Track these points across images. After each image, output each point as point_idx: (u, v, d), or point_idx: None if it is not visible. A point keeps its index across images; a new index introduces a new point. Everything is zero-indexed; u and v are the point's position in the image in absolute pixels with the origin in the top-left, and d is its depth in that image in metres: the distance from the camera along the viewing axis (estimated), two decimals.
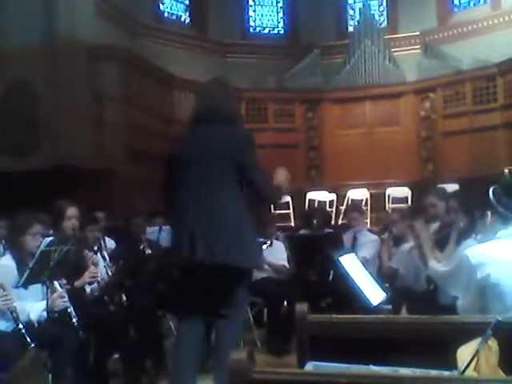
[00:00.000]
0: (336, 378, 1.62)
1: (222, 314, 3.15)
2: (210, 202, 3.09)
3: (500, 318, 1.87)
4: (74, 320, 3.52)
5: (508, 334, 1.90)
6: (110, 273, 4.45)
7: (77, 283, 3.91)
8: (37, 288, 3.54)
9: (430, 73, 11.79)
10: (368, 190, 10.95)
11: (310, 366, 1.89)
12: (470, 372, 1.70)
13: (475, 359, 1.72)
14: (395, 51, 12.50)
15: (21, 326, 3.23)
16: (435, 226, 4.44)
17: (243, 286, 3.22)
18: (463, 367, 1.71)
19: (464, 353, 1.78)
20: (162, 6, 12.44)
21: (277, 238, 5.93)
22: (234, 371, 1.60)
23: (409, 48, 12.61)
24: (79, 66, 8.65)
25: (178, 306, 3.26)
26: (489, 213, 2.56)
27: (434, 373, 1.76)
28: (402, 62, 12.40)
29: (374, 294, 3.80)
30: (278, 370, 1.68)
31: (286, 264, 5.65)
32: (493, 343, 1.81)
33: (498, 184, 2.55)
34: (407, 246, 4.64)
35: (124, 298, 4.40)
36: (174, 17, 12.74)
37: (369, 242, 5.45)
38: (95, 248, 4.44)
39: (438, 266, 3.17)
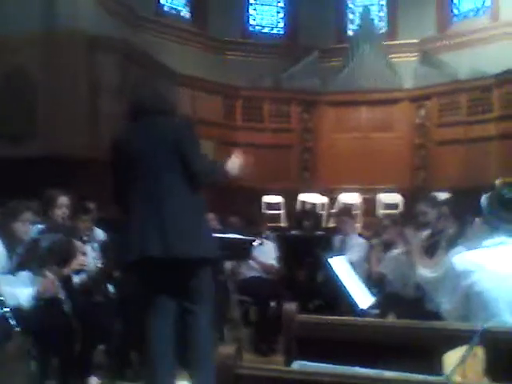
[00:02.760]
0: (320, 377, 1.64)
1: (187, 309, 3.15)
2: (157, 197, 3.09)
3: (486, 326, 1.89)
4: (66, 307, 3.52)
5: (494, 342, 1.91)
6: (98, 263, 4.45)
7: (64, 271, 3.90)
8: (27, 275, 3.53)
9: (426, 81, 11.84)
10: (360, 194, 10.98)
11: (296, 365, 1.90)
12: (455, 378, 1.72)
13: (461, 365, 1.74)
14: (393, 57, 12.55)
15: (7, 309, 3.21)
16: (425, 233, 4.48)
17: (205, 278, 3.20)
18: (449, 373, 1.72)
19: (450, 358, 1.79)
20: (162, 0, 12.41)
21: (267, 238, 5.94)
22: (222, 366, 1.61)
23: (407, 55, 12.65)
24: (78, 56, 8.61)
25: (144, 302, 3.24)
26: (477, 220, 2.59)
27: (418, 377, 1.77)
28: (400, 69, 12.43)
29: (363, 297, 3.82)
30: (264, 366, 1.69)
31: (275, 264, 5.66)
32: (479, 351, 1.82)
33: (491, 193, 2.56)
34: (396, 251, 4.67)
35: (111, 289, 4.39)
36: (174, 11, 12.71)
37: (356, 245, 5.48)
38: (85, 238, 4.43)
39: (425, 272, 3.20)
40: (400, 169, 11.65)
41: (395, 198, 10.69)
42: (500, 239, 2.44)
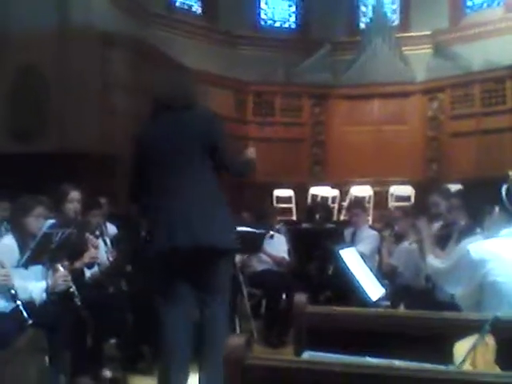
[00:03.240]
0: (330, 367, 1.63)
1: (205, 301, 3.15)
2: (183, 189, 3.10)
3: (497, 316, 1.87)
4: (77, 300, 3.54)
5: (505, 331, 1.90)
6: (110, 258, 4.48)
7: (76, 264, 3.93)
8: (39, 269, 3.56)
9: (439, 73, 11.74)
10: (371, 187, 10.94)
11: (305, 356, 1.89)
12: (466, 367, 1.70)
13: (472, 354, 1.73)
14: (406, 50, 12.45)
15: (19, 302, 3.24)
16: (437, 224, 4.45)
17: (224, 271, 3.21)
18: (460, 362, 1.71)
19: (461, 348, 1.78)
20: None
21: (278, 231, 5.94)
22: (231, 357, 1.61)
23: (420, 47, 12.54)
24: (91, 53, 8.64)
25: (163, 295, 3.24)
26: (497, 209, 2.58)
27: (429, 366, 1.76)
28: (413, 61, 12.34)
29: (373, 289, 3.81)
30: (274, 357, 1.68)
31: (287, 256, 5.66)
32: (490, 340, 1.81)
33: (510, 183, 2.57)
34: (408, 243, 4.65)
35: (124, 283, 4.42)
36: (186, 7, 12.71)
37: (367, 237, 5.46)
38: (97, 232, 4.46)
39: (436, 262, 3.17)
40: (412, 161, 11.58)
41: (407, 190, 10.63)
42: None
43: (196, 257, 3.05)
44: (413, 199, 10.31)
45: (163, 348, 3.24)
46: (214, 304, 3.16)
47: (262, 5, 13.88)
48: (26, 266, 3.44)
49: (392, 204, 10.44)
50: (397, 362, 1.87)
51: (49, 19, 8.44)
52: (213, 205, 3.12)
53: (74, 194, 4.16)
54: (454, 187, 6.45)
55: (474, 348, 1.75)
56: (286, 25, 14.03)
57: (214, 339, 3.10)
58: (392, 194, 10.76)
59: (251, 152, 3.37)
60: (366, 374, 1.58)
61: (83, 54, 8.52)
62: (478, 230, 3.09)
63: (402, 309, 3.92)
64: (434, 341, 2.04)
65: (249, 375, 1.60)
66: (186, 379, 3.22)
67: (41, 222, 3.67)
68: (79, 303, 3.55)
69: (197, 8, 12.88)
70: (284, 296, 5.29)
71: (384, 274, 4.80)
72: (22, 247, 3.54)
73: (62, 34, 8.51)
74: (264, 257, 5.49)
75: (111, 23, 9.00)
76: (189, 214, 3.06)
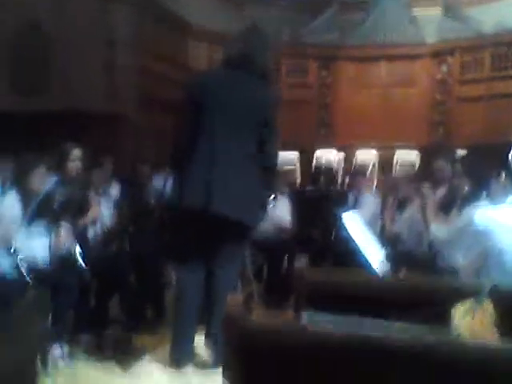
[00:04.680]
0: (328, 331, 1.62)
1: (218, 265, 3.16)
2: (227, 155, 3.04)
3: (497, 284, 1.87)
4: (80, 259, 3.56)
5: (504, 299, 1.90)
6: (113, 217, 4.48)
7: (79, 222, 3.93)
8: (42, 228, 3.56)
9: (449, 35, 11.51)
10: (377, 151, 10.86)
11: (305, 316, 1.90)
12: (463, 330, 1.71)
13: (469, 318, 1.73)
14: (416, 11, 12.19)
15: (20, 261, 3.26)
16: (441, 190, 4.42)
17: (242, 243, 3.21)
18: (456, 323, 1.72)
19: (459, 312, 1.79)
20: None
21: (282, 193, 5.90)
22: (230, 316, 1.61)
23: (430, 8, 12.27)
24: (93, 9, 8.50)
25: (180, 253, 3.26)
26: (503, 175, 2.55)
27: (426, 327, 1.77)
28: (422, 23, 12.10)
29: (375, 254, 3.81)
30: (273, 319, 1.69)
31: (289, 219, 5.63)
32: (488, 306, 1.81)
33: None
34: (411, 209, 4.63)
35: (126, 243, 4.43)
36: None
37: (369, 203, 5.42)
38: (100, 191, 4.46)
39: (440, 229, 3.16)
40: (419, 125, 11.46)
41: (412, 155, 10.56)
42: None
43: (216, 223, 3.03)
44: (418, 164, 10.25)
45: (175, 305, 3.27)
46: (224, 270, 3.17)
47: None
48: (28, 223, 3.45)
49: (397, 169, 10.39)
50: (397, 324, 1.88)
51: None
52: (253, 179, 3.06)
53: (76, 153, 4.13)
54: (461, 153, 6.39)
55: (469, 310, 1.75)
56: None
57: (221, 299, 3.13)
58: (397, 159, 10.69)
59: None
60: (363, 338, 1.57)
61: (85, 10, 8.39)
62: (484, 196, 3.06)
63: (403, 273, 3.93)
64: (435, 306, 2.04)
65: (246, 334, 1.61)
66: (194, 334, 3.26)
67: (43, 180, 3.66)
68: (82, 262, 3.56)
69: None
70: (286, 260, 5.30)
71: (386, 239, 4.79)
72: (25, 205, 3.54)
73: None
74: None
75: None
76: (222, 182, 3.00)
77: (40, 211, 3.43)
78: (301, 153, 10.73)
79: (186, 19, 10.32)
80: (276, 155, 3.16)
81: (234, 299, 1.67)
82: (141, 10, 8.97)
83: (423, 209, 3.98)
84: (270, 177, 3.18)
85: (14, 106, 8.08)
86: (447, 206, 3.89)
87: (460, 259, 2.60)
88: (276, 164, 3.22)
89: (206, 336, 3.32)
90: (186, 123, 3.19)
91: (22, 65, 8.48)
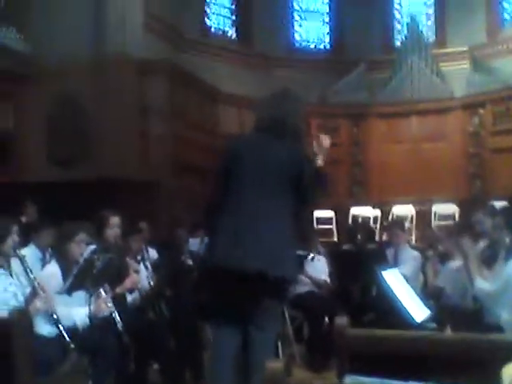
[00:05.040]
0: None
1: (256, 325, 3.11)
2: (254, 213, 3.05)
3: None
4: (119, 325, 3.56)
5: None
6: (151, 282, 4.50)
7: (118, 289, 3.95)
8: (82, 295, 3.59)
9: (478, 88, 11.55)
10: (414, 206, 10.76)
11: (348, 380, 1.84)
12: None
13: None
14: (443, 66, 12.31)
15: (61, 327, 3.27)
16: (483, 243, 4.33)
17: (279, 299, 3.17)
18: None
19: (508, 371, 1.70)
20: (208, 21, 12.63)
21: (319, 253, 5.88)
22: (270, 381, 1.58)
23: (457, 63, 12.38)
24: (127, 80, 8.84)
25: (216, 313, 3.22)
26: None
27: None
28: (450, 77, 12.19)
29: (418, 311, 3.71)
30: (314, 382, 1.64)
31: (328, 279, 5.59)
32: None
33: None
34: (454, 263, 4.53)
35: (164, 307, 4.42)
36: (221, 32, 12.91)
37: (409, 258, 5.32)
38: (138, 257, 4.50)
39: (484, 284, 3.07)
40: (454, 179, 11.37)
41: (451, 208, 10.41)
42: None
43: (250, 282, 3.01)
44: (457, 217, 10.09)
45: (210, 366, 3.22)
46: (263, 330, 3.12)
47: (296, 27, 13.98)
48: (69, 292, 3.48)
49: (436, 223, 10.24)
50: None
51: (86, 48, 8.68)
52: (284, 233, 3.07)
53: (114, 220, 4.21)
54: (499, 204, 6.28)
55: None
56: (321, 46, 14.08)
57: (259, 364, 3.06)
58: (435, 213, 10.55)
59: (323, 141, 3.20)
60: None
61: (119, 81, 8.72)
62: None
63: (448, 331, 3.80)
64: (481, 364, 1.96)
65: None
66: None
67: (83, 248, 3.72)
68: (121, 328, 3.56)
69: (232, 32, 13.06)
70: (326, 319, 5.20)
71: (429, 295, 4.67)
72: (65, 273, 3.59)
73: (99, 63, 8.73)
74: (305, 279, 5.43)
75: (147, 49, 9.20)
76: (256, 239, 3.00)
77: (80, 278, 3.46)
78: (336, 211, 10.71)
79: (215, 86, 10.62)
80: (314, 198, 3.15)
81: (273, 363, 1.62)
82: (172, 80, 9.29)
83: (466, 263, 3.88)
84: (305, 217, 3.17)
85: (52, 177, 8.33)
86: (489, 260, 3.79)
87: (505, 314, 2.51)
88: (314, 201, 3.19)
89: None
90: (216, 187, 3.26)
91: (58, 136, 8.78)
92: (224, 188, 3.16)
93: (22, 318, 2.97)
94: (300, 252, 5.00)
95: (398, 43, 13.40)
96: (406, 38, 12.82)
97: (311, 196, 3.11)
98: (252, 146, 3.17)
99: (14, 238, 3.42)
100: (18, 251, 3.41)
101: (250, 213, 3.05)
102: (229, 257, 3.01)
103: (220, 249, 3.07)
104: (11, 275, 3.39)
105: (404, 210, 10.66)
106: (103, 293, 3.62)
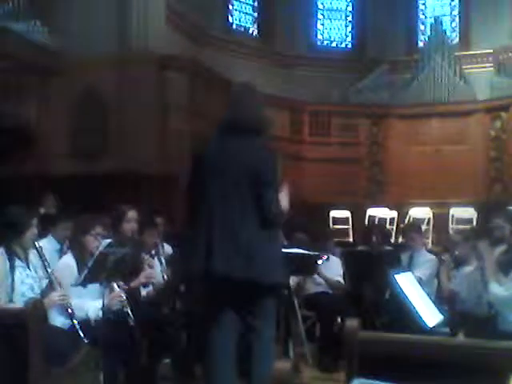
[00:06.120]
0: None
1: (251, 325, 3.11)
2: (227, 217, 3.04)
3: None
4: (131, 320, 3.59)
5: None
6: (165, 277, 4.52)
7: (132, 284, 3.98)
8: (95, 287, 3.63)
9: (502, 91, 11.41)
10: (431, 209, 10.67)
11: (356, 383, 1.84)
12: None
13: None
14: (466, 68, 12.18)
15: (75, 321, 3.31)
16: (500, 249, 4.28)
17: (270, 299, 3.15)
18: None
19: None
20: (230, 18, 12.65)
21: (334, 253, 5.85)
22: (278, 381, 1.58)
23: (481, 65, 12.25)
24: (148, 76, 8.90)
25: (207, 318, 3.22)
26: None
27: None
28: (474, 80, 12.06)
29: (430, 315, 3.68)
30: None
31: (341, 280, 5.57)
32: None
33: None
34: (469, 268, 4.49)
35: (177, 301, 4.45)
36: (242, 29, 12.92)
37: (425, 262, 5.28)
38: (152, 252, 4.52)
39: (499, 289, 3.04)
40: (474, 182, 11.25)
41: (469, 212, 10.30)
42: None
43: (238, 284, 3.01)
44: (475, 222, 9.98)
45: (208, 370, 3.22)
46: (259, 328, 3.11)
47: (319, 25, 13.94)
48: (83, 284, 3.51)
49: (453, 226, 10.14)
50: None
51: (110, 45, 8.76)
52: (258, 239, 3.06)
53: (132, 214, 4.24)
54: None
55: None
56: (343, 45, 14.02)
57: (258, 363, 3.06)
58: (453, 216, 10.45)
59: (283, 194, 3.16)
60: None
61: (141, 76, 8.78)
62: None
63: (461, 337, 3.77)
64: (492, 372, 1.95)
65: None
66: None
67: (99, 241, 3.75)
68: (134, 322, 3.59)
69: (253, 30, 13.07)
70: (339, 319, 5.19)
71: (443, 299, 4.63)
72: (80, 266, 3.63)
73: (122, 58, 8.81)
74: (319, 279, 5.42)
75: (169, 46, 9.24)
76: (232, 245, 3.00)
77: (94, 271, 3.49)
78: (352, 211, 10.67)
79: (236, 83, 10.59)
80: (275, 207, 3.10)
81: (280, 364, 1.63)
82: (193, 76, 9.32)
83: (482, 268, 3.84)
84: (271, 229, 3.12)
85: (73, 170, 8.43)
86: (506, 265, 3.75)
87: None
88: (275, 215, 3.10)
89: None
90: (189, 203, 3.26)
91: (80, 129, 8.88)
92: (197, 201, 3.16)
93: (36, 308, 3.03)
94: (315, 252, 4.99)
95: (421, 44, 13.29)
96: (429, 39, 12.72)
97: (267, 207, 3.03)
98: (217, 152, 3.15)
99: (33, 230, 3.46)
100: (36, 243, 3.45)
101: (226, 221, 3.03)
102: (197, 265, 3.01)
103: (192, 257, 3.06)
104: (28, 267, 3.43)
105: (421, 212, 10.57)
106: (117, 287, 3.65)
